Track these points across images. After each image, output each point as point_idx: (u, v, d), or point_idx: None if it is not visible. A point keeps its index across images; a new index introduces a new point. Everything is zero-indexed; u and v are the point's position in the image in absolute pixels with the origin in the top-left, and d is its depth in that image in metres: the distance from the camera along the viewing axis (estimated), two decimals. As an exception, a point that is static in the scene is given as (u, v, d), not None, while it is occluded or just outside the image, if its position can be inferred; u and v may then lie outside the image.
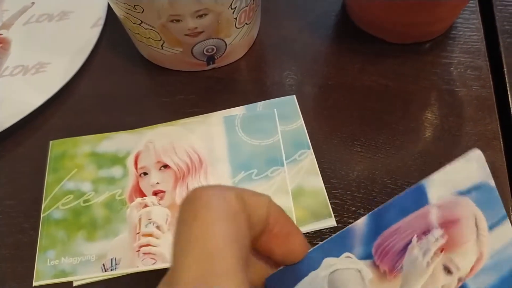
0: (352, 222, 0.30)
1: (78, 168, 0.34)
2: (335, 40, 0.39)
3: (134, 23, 0.33)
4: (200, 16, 0.32)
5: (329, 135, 0.34)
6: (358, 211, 0.31)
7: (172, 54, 0.36)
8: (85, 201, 0.32)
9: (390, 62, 0.37)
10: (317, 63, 0.38)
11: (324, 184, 0.32)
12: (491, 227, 0.20)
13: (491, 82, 0.35)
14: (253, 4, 0.35)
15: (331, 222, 0.30)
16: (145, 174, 0.33)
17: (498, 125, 0.33)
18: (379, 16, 0.37)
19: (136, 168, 0.33)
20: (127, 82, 0.39)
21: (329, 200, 0.31)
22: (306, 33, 0.40)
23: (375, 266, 0.20)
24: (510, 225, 0.20)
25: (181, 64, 0.37)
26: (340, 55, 0.38)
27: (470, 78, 0.36)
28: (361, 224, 0.20)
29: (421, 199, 0.20)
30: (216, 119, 0.35)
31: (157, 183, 0.32)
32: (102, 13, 0.41)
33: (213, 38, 0.35)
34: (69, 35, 0.41)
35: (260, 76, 0.38)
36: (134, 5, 0.31)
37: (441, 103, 0.35)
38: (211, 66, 0.38)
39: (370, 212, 0.20)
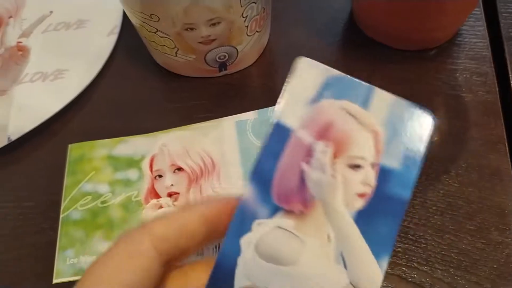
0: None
1: (96, 170, 0.35)
2: (343, 47, 0.40)
3: (149, 32, 0.35)
4: (213, 24, 0.33)
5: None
6: (366, 212, 0.32)
7: (186, 61, 0.37)
8: (102, 202, 0.33)
9: (397, 68, 0.38)
10: (326, 69, 0.39)
11: (333, 186, 0.33)
12: (364, 105, 0.19)
13: (497, 88, 0.36)
14: (263, 12, 0.36)
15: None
16: (160, 176, 0.34)
17: (504, 130, 0.34)
18: (385, 24, 0.38)
19: (151, 170, 0.34)
20: (142, 88, 0.40)
21: (338, 202, 0.32)
22: (314, 40, 0.41)
23: (290, 212, 0.19)
24: (380, 90, 0.20)
25: (194, 70, 0.39)
26: (348, 61, 0.40)
27: (475, 83, 0.37)
28: (248, 191, 0.19)
29: (283, 133, 0.20)
30: (228, 123, 0.36)
31: (172, 185, 0.34)
32: (117, 22, 0.43)
33: (225, 46, 0.36)
34: (86, 42, 0.42)
35: (270, 82, 0.39)
36: (151, 14, 0.32)
37: (447, 107, 0.36)
38: (223, 72, 0.39)
39: (249, 176, 0.20)
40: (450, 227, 0.31)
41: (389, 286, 0.29)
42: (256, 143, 0.35)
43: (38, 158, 0.37)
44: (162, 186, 0.34)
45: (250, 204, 0.19)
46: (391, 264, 0.30)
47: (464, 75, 0.37)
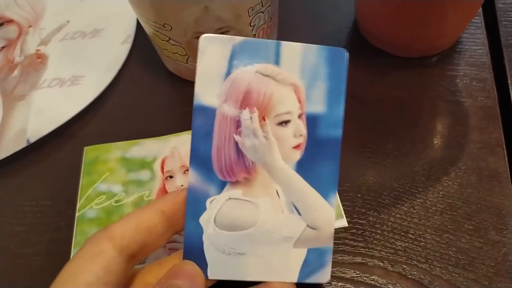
0: (362, 223, 0.33)
1: (110, 171, 0.37)
2: (347, 55, 0.42)
3: (162, 40, 0.36)
4: (222, 33, 0.35)
5: (341, 142, 0.36)
6: (368, 212, 0.33)
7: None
8: (116, 201, 0.35)
9: (399, 74, 0.40)
10: (330, 75, 0.41)
11: (336, 187, 0.34)
12: (276, 62, 0.20)
13: (496, 93, 0.37)
14: (270, 22, 0.38)
15: (343, 222, 0.33)
16: (171, 177, 0.36)
17: (502, 134, 0.35)
18: (388, 32, 0.39)
19: (162, 172, 0.36)
20: (155, 94, 0.42)
21: (341, 202, 0.33)
22: (320, 48, 0.42)
23: (236, 183, 0.20)
24: (287, 42, 0.20)
25: (204, 77, 0.40)
26: (351, 68, 0.41)
27: (475, 89, 0.38)
28: (192, 175, 0.20)
29: (207, 113, 0.20)
30: (236, 127, 0.38)
31: (182, 185, 0.35)
32: (131, 31, 0.45)
33: (233, 53, 0.38)
34: (101, 51, 0.44)
35: (277, 88, 0.41)
36: (163, 24, 0.34)
37: (447, 112, 0.37)
38: (232, 78, 0.41)
39: (190, 162, 0.20)
40: (449, 226, 0.32)
41: (390, 283, 0.30)
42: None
43: (55, 159, 0.39)
44: (173, 187, 0.35)
45: (198, 186, 0.21)
46: (391, 262, 0.31)
47: (464, 81, 0.39)
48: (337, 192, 0.20)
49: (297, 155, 0.20)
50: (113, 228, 0.22)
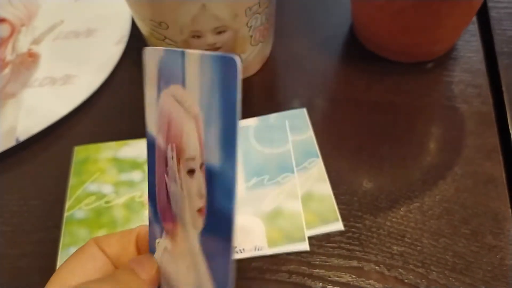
0: (359, 226, 0.32)
1: (100, 171, 0.36)
2: (343, 59, 0.42)
3: (157, 39, 0.36)
4: (219, 32, 0.35)
5: (337, 146, 0.36)
6: (364, 216, 0.33)
7: (191, 68, 0.38)
8: (106, 202, 0.34)
9: (395, 79, 0.40)
10: (326, 79, 0.41)
11: (332, 190, 0.34)
12: (183, 81, 0.16)
13: (491, 99, 0.38)
14: (267, 23, 0.38)
15: (339, 226, 0.32)
16: (163, 178, 0.35)
17: (497, 139, 0.35)
18: (385, 37, 0.39)
19: (155, 172, 0.35)
20: (148, 94, 0.41)
21: (337, 205, 0.33)
22: (316, 52, 0.42)
23: (167, 232, 0.17)
24: (190, 52, 0.16)
25: (198, 78, 0.40)
26: (348, 72, 0.41)
27: (470, 95, 0.38)
28: (148, 210, 0.18)
29: (151, 143, 0.18)
30: (231, 129, 0.37)
31: (175, 186, 0.34)
32: (125, 32, 0.44)
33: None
34: (94, 51, 0.44)
35: (272, 90, 0.40)
36: (160, 22, 0.34)
37: (443, 117, 0.37)
38: (227, 80, 0.40)
39: (148, 197, 0.18)
40: (446, 230, 0.32)
41: (386, 287, 0.30)
42: (258, 148, 0.36)
43: (45, 159, 0.38)
44: (165, 187, 0.34)
45: (151, 224, 0.19)
46: (388, 266, 0.30)
47: (460, 87, 0.39)
48: None
49: (200, 222, 0.15)
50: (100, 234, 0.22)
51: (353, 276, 0.30)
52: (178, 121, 0.16)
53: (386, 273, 0.30)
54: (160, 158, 0.17)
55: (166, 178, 0.17)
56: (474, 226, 0.32)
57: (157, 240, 0.18)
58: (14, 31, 0.46)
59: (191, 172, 0.16)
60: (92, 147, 0.38)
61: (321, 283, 0.30)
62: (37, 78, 0.42)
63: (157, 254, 0.18)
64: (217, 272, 0.15)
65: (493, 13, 0.44)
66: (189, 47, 0.36)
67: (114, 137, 0.38)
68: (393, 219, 0.32)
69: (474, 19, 0.43)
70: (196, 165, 0.15)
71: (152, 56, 0.17)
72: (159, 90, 0.17)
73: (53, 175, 0.37)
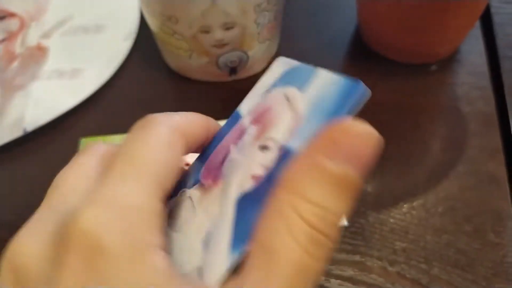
0: (362, 222, 0.32)
1: (107, 163, 0.36)
2: (348, 59, 0.42)
3: (166, 34, 0.37)
4: (227, 28, 0.35)
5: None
6: (368, 212, 0.33)
7: (199, 64, 0.39)
8: (112, 193, 0.35)
9: (400, 80, 0.40)
10: (331, 79, 0.41)
11: (336, 186, 0.34)
12: (301, 88, 0.18)
13: (494, 100, 0.38)
14: (275, 21, 0.38)
15: (343, 221, 0.32)
16: (169, 170, 0.35)
17: (500, 139, 0.36)
18: (389, 38, 0.40)
19: (161, 165, 0.36)
20: (154, 91, 0.42)
21: (341, 200, 0.33)
22: (321, 52, 0.43)
23: (202, 186, 0.19)
24: (323, 71, 0.18)
25: (205, 74, 0.40)
26: (353, 72, 0.41)
27: (474, 97, 0.38)
28: (192, 164, 0.20)
29: (234, 119, 0.19)
30: (237, 124, 0.38)
31: (180, 179, 0.35)
32: (134, 28, 0.45)
33: (237, 51, 0.38)
34: (103, 46, 0.44)
35: (278, 88, 0.41)
36: (170, 16, 0.34)
37: (447, 118, 0.38)
38: (233, 77, 0.41)
39: (202, 151, 0.20)
40: (449, 228, 0.32)
41: (388, 282, 0.30)
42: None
43: (51, 150, 0.38)
44: (170, 180, 0.35)
45: (187, 174, 0.20)
46: (390, 261, 0.31)
47: (464, 89, 0.39)
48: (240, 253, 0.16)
49: (249, 185, 0.17)
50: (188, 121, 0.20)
51: (356, 271, 0.31)
52: (277, 110, 0.18)
53: (389, 268, 0.30)
54: (236, 131, 0.19)
55: (232, 147, 0.19)
56: (477, 224, 0.32)
57: (182, 190, 0.19)
58: (24, 25, 0.46)
59: (264, 147, 0.17)
60: (98, 139, 0.38)
61: (324, 277, 0.30)
62: (45, 71, 0.42)
63: (178, 199, 0.19)
64: (240, 226, 0.16)
65: (496, 19, 0.44)
66: (197, 42, 0.36)
67: (120, 130, 0.38)
68: (397, 216, 0.33)
69: (478, 24, 0.43)
70: (273, 144, 0.17)
71: (282, 64, 0.20)
72: (273, 87, 0.19)
73: (60, 166, 0.37)
